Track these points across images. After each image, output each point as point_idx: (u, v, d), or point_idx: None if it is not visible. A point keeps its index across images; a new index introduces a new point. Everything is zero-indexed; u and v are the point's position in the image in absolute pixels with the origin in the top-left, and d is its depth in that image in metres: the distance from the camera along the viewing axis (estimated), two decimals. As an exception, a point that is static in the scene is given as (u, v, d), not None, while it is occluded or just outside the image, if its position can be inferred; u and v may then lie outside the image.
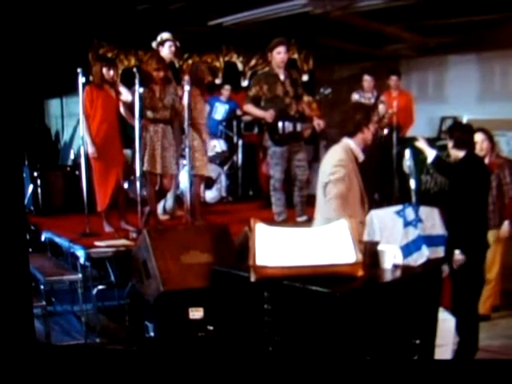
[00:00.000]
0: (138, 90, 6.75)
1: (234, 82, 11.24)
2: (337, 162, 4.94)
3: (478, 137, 6.77)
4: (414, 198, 8.81)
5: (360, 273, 3.27)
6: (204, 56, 11.33)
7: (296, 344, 3.23)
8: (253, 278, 3.32)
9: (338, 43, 11.73)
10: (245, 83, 11.25)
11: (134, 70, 6.84)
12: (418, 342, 3.50)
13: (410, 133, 10.01)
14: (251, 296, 3.43)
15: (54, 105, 13.15)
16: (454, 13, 9.54)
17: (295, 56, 11.43)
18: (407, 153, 8.85)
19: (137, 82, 6.72)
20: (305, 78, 11.40)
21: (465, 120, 11.10)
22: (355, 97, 9.50)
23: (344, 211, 4.75)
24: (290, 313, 3.26)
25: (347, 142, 5.03)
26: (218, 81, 11.22)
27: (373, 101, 9.22)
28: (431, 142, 9.30)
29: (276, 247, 3.38)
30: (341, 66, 13.26)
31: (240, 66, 11.55)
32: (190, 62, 11.03)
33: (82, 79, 6.95)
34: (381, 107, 9.06)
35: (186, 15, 9.65)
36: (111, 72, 7.22)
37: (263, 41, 10.35)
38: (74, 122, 12.37)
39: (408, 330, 3.47)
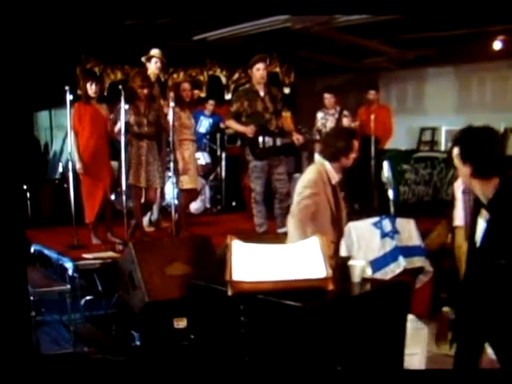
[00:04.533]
0: (124, 106, 6.88)
1: (217, 95, 11.42)
2: (306, 182, 5.03)
3: (457, 151, 6.91)
4: (392, 209, 8.97)
5: (330, 287, 3.38)
6: (189, 70, 11.57)
7: (271, 355, 3.36)
8: (229, 292, 3.43)
9: (319, 56, 12.00)
10: (228, 96, 11.48)
11: (120, 87, 6.97)
12: (387, 351, 3.64)
13: (390, 143, 10.19)
14: (228, 309, 3.53)
15: (43, 117, 13.29)
16: (431, 27, 9.72)
17: (277, 69, 11.62)
18: (385, 164, 9.01)
19: (122, 98, 6.85)
20: (286, 90, 11.65)
21: (443, 130, 11.33)
22: (319, 115, 9.73)
23: (304, 230, 4.83)
24: (264, 325, 3.36)
25: (322, 163, 5.12)
26: (202, 94, 11.41)
27: (337, 116, 9.46)
28: (409, 154, 9.54)
29: (251, 263, 3.50)
30: (322, 79, 13.41)
31: (223, 80, 11.78)
32: (175, 75, 11.24)
33: (69, 96, 7.06)
34: (345, 121, 9.33)
35: (171, 31, 9.77)
36: (93, 87, 7.31)
37: (246, 55, 10.49)
38: (62, 134, 12.47)
39: (377, 341, 3.61)
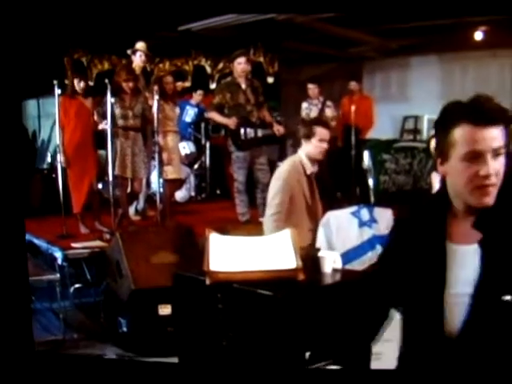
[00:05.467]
0: (110, 99, 7.16)
1: (202, 84, 11.60)
2: (277, 173, 5.37)
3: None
4: (372, 198, 9.29)
5: (301, 277, 3.70)
6: (174, 60, 11.72)
7: (245, 340, 3.69)
8: (208, 282, 3.76)
9: (304, 46, 12.13)
10: (213, 86, 11.60)
11: (106, 81, 7.21)
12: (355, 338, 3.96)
13: (374, 131, 10.48)
14: (207, 297, 3.86)
15: (30, 105, 13.34)
16: (413, 17, 9.91)
17: (261, 59, 11.80)
18: (366, 154, 9.32)
19: (108, 92, 7.11)
20: (270, 80, 11.86)
21: (425, 119, 11.60)
22: (304, 105, 9.95)
23: (279, 224, 5.09)
24: (239, 312, 3.68)
25: (299, 155, 5.39)
26: (187, 84, 11.55)
27: (320, 106, 9.70)
28: (389, 144, 9.83)
29: (227, 254, 3.81)
30: (307, 68, 13.51)
31: (208, 70, 11.94)
32: (160, 65, 11.42)
33: (57, 91, 7.31)
34: (327, 111, 9.57)
35: (157, 21, 9.96)
36: (81, 84, 7.60)
37: (231, 45, 10.70)
38: (50, 122, 12.54)
39: (346, 328, 3.93)
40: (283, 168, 5.35)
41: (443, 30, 10.50)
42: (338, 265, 4.18)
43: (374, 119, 10.53)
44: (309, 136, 5.30)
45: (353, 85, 10.35)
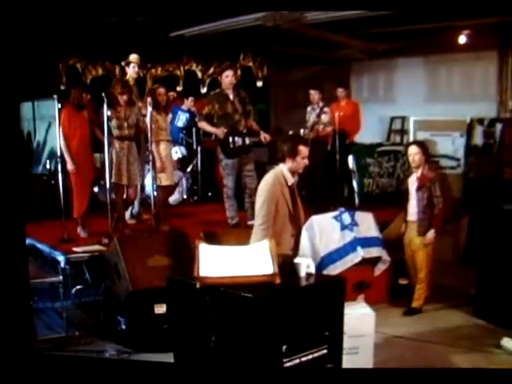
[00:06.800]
0: (106, 111, 7.84)
1: (193, 89, 12.24)
2: (262, 185, 5.95)
3: (412, 149, 7.69)
4: (357, 200, 9.97)
5: (277, 281, 4.41)
6: (166, 65, 12.32)
7: (230, 334, 4.40)
8: (198, 286, 4.46)
9: (292, 49, 12.62)
10: (204, 90, 12.29)
11: (103, 94, 7.86)
12: (327, 333, 4.69)
13: (362, 131, 11.05)
14: (197, 299, 4.56)
15: (25, 108, 13.54)
16: (398, 21, 10.32)
17: (250, 64, 12.35)
18: (350, 158, 10.00)
19: (105, 105, 7.81)
20: (259, 84, 12.43)
21: (411, 121, 12.22)
22: (308, 109, 10.44)
23: (265, 230, 5.74)
24: (225, 311, 4.39)
25: (280, 167, 6.00)
26: (179, 88, 12.20)
27: (317, 112, 10.22)
28: (373, 148, 10.45)
29: (215, 262, 4.51)
30: (295, 69, 14.20)
31: (199, 74, 12.50)
32: (153, 70, 12.03)
33: (57, 105, 7.99)
34: (323, 117, 10.09)
35: (149, 27, 10.49)
36: (88, 97, 8.31)
37: (221, 50, 11.31)
38: (45, 125, 12.92)
39: (319, 325, 4.66)
40: (267, 181, 5.94)
41: (428, 33, 11.03)
42: (312, 269, 4.86)
43: (362, 122, 11.05)
44: (293, 154, 5.92)
45: (340, 91, 10.91)
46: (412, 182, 7.81)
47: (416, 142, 8.25)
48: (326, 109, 10.25)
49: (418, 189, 7.65)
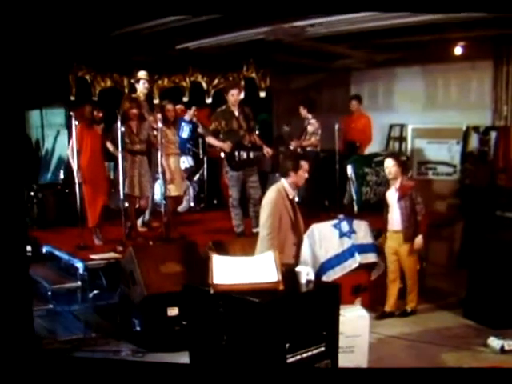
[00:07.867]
0: (120, 127, 8.46)
1: (198, 99, 12.77)
2: (266, 199, 6.60)
3: (388, 162, 8.26)
4: (355, 208, 10.56)
5: (281, 287, 5.15)
6: (172, 76, 12.85)
7: (240, 335, 5.11)
8: (212, 291, 5.19)
9: (293, 59, 13.06)
10: (209, 101, 12.84)
11: (116, 111, 8.54)
12: (324, 333, 5.40)
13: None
14: (211, 303, 5.27)
15: (34, 115, 14.39)
16: (397, 33, 10.58)
17: (253, 75, 12.86)
18: (349, 167, 10.61)
19: (119, 122, 8.43)
20: (262, 94, 12.98)
21: (409, 128, 12.69)
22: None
23: (271, 240, 6.38)
24: (235, 314, 5.12)
25: (282, 182, 6.68)
26: (185, 99, 12.75)
27: (305, 124, 10.86)
28: (370, 158, 11.02)
29: (226, 270, 5.26)
30: (296, 77, 14.73)
31: (204, 85, 13.00)
32: (159, 82, 12.58)
33: (74, 122, 8.54)
34: (309, 128, 10.74)
35: (156, 40, 10.79)
36: (100, 114, 8.96)
37: (225, 62, 11.75)
38: (53, 132, 13.75)
39: (317, 325, 5.36)
40: (271, 195, 6.61)
41: (426, 44, 11.41)
42: (311, 277, 5.58)
43: (372, 135, 11.64)
44: (296, 168, 6.65)
45: (354, 104, 11.58)
46: (391, 194, 8.36)
47: (391, 155, 8.86)
48: (312, 120, 10.82)
49: (400, 199, 8.20)
